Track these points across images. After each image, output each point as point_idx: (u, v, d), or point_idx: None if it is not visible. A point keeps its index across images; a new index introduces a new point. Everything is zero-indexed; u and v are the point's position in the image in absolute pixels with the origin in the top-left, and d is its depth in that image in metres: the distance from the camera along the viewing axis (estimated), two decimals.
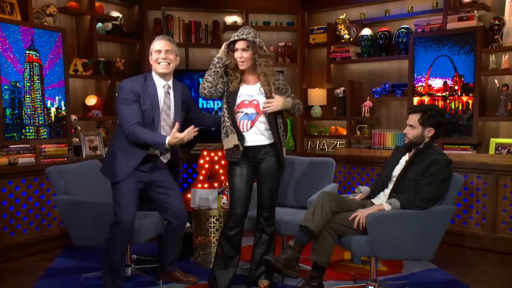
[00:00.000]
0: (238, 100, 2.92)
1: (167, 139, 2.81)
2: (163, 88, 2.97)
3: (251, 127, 2.91)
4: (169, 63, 2.94)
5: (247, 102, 2.92)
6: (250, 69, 2.92)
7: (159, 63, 2.92)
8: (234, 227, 2.99)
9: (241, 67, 2.89)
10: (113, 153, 2.95)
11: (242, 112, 2.91)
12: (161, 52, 2.92)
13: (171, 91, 3.01)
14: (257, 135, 2.92)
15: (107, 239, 2.88)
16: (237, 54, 2.86)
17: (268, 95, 2.89)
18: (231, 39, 2.88)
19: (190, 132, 2.81)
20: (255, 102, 2.90)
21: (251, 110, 2.91)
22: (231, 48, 2.90)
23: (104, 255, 2.92)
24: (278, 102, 2.84)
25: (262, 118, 2.90)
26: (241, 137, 2.90)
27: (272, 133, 2.92)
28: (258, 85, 2.92)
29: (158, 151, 2.99)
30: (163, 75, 2.96)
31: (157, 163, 3.04)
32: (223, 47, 2.93)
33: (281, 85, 2.97)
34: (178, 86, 3.09)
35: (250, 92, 2.93)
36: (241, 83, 2.95)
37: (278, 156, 2.95)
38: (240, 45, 2.85)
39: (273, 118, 2.91)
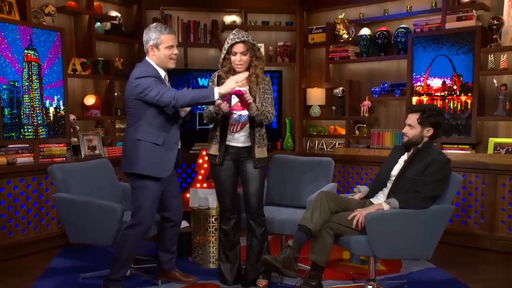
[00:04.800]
0: (233, 102, 2.95)
1: (216, 88, 2.68)
2: (163, 78, 2.94)
3: (240, 129, 2.98)
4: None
5: (240, 104, 2.97)
6: (243, 70, 2.96)
7: (171, 59, 2.89)
8: (228, 220, 3.14)
9: (238, 69, 2.93)
10: (148, 149, 2.81)
11: (235, 113, 2.97)
12: (173, 48, 2.87)
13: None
14: (243, 137, 3.00)
15: (121, 238, 2.88)
16: (235, 58, 2.91)
17: (251, 96, 2.91)
18: (231, 42, 2.89)
19: (244, 76, 2.72)
20: None
21: (244, 112, 2.95)
22: (228, 51, 2.93)
23: (116, 254, 2.92)
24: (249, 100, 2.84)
25: (249, 123, 2.97)
26: (226, 138, 3.00)
27: (249, 136, 3.00)
28: (247, 88, 2.95)
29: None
30: (166, 68, 2.94)
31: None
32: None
33: (266, 85, 3.02)
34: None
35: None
36: None
37: (253, 157, 3.01)
38: (239, 48, 2.89)
39: (254, 123, 2.97)
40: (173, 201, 3.10)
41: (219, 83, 2.95)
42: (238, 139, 3.01)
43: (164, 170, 2.86)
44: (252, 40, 2.93)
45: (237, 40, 2.88)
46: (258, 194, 3.06)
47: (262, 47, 5.12)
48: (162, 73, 2.93)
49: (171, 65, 2.91)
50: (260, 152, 3.02)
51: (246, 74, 2.80)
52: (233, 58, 2.92)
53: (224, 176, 3.06)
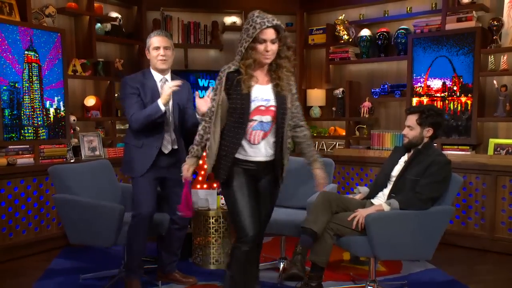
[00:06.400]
0: (253, 105, 2.33)
1: (159, 100, 2.86)
2: (160, 82, 3.03)
3: (262, 138, 2.37)
4: (166, 60, 3.01)
5: (263, 108, 2.35)
6: (266, 64, 2.38)
7: (159, 60, 2.98)
8: (251, 252, 2.39)
9: (266, 61, 2.33)
10: (130, 151, 3.05)
11: (256, 120, 2.35)
12: (159, 49, 2.97)
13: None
14: (267, 149, 2.40)
15: (128, 230, 2.96)
16: (263, 46, 2.28)
17: (285, 99, 2.40)
18: (259, 27, 2.25)
19: (175, 82, 2.84)
20: (273, 108, 2.36)
21: (267, 118, 2.35)
22: (257, 39, 2.28)
23: (126, 246, 3.02)
24: (325, 175, 2.55)
25: (274, 130, 2.39)
26: (246, 151, 2.39)
27: (275, 147, 2.42)
28: (270, 85, 2.39)
29: (164, 147, 3.02)
30: (161, 70, 3.03)
31: (175, 159, 3.06)
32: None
33: (295, 89, 2.49)
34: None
35: (266, 95, 2.36)
36: (252, 82, 2.35)
37: (275, 173, 2.49)
38: (270, 34, 2.27)
39: (282, 130, 2.41)
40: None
41: (233, 83, 2.33)
42: (260, 151, 2.39)
43: (135, 171, 2.99)
44: (282, 25, 2.35)
45: (268, 24, 2.26)
46: (267, 219, 2.55)
47: None
48: (158, 77, 3.03)
49: (160, 65, 3.00)
50: (284, 170, 2.50)
51: (179, 82, 2.81)
52: (260, 47, 2.28)
53: (241, 194, 2.38)
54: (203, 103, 2.89)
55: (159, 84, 3.02)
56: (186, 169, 2.52)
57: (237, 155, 2.37)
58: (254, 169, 2.41)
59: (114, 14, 4.89)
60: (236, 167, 2.38)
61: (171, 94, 2.85)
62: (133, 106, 2.93)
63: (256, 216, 2.37)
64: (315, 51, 5.39)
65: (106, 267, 3.43)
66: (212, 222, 3.50)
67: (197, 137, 2.48)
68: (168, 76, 3.07)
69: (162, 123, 2.97)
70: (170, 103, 2.99)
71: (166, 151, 3.03)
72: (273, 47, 2.30)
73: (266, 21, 2.27)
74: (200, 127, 2.47)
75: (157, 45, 2.97)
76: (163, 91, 2.88)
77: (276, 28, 2.29)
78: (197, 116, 2.97)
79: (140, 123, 2.90)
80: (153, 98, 2.94)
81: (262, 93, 2.36)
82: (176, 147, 3.07)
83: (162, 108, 2.85)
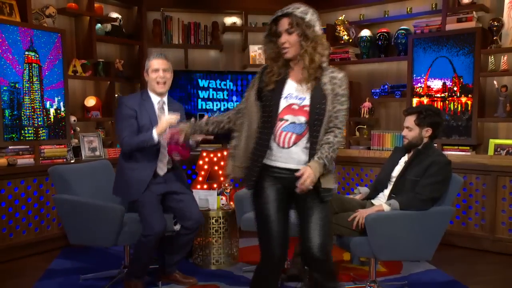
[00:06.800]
0: (284, 103, 2.10)
1: (154, 130, 2.87)
2: (157, 104, 3.05)
3: (294, 143, 2.09)
4: (165, 82, 3.03)
5: (296, 107, 2.09)
6: (300, 59, 2.13)
7: (157, 82, 3.00)
8: (273, 277, 2.17)
9: (286, 56, 2.11)
10: (124, 174, 3.02)
11: (287, 120, 2.10)
12: (158, 71, 2.99)
13: (166, 107, 3.09)
14: (300, 155, 2.10)
15: (136, 245, 2.94)
16: (280, 40, 2.10)
17: (324, 99, 2.07)
18: (271, 18, 2.12)
19: (172, 117, 2.86)
20: (307, 108, 2.08)
21: (300, 119, 2.08)
22: (272, 30, 2.13)
23: (135, 259, 2.98)
24: (309, 177, 1.97)
25: (308, 133, 2.09)
26: (276, 156, 2.12)
27: (311, 154, 2.08)
28: (309, 84, 2.11)
29: (160, 169, 3.03)
30: (159, 93, 3.04)
31: (172, 175, 3.10)
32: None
33: (341, 90, 2.11)
34: (174, 105, 3.17)
35: (302, 93, 2.10)
36: (286, 78, 2.14)
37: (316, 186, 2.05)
38: (282, 25, 2.08)
39: (317, 135, 2.08)
40: (190, 211, 3.09)
41: (264, 83, 2.15)
42: (291, 157, 2.11)
43: (132, 194, 2.98)
44: (303, 13, 2.08)
45: (278, 13, 2.07)
46: (323, 226, 2.14)
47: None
48: (156, 100, 3.05)
49: (158, 89, 3.01)
50: (327, 181, 2.09)
51: (177, 116, 2.82)
52: (280, 40, 2.10)
53: (272, 208, 2.12)
54: (165, 123, 2.84)
55: (156, 107, 3.04)
56: (177, 129, 2.44)
57: (267, 161, 2.11)
58: (288, 177, 2.08)
59: (114, 15, 4.89)
60: (268, 175, 2.12)
61: (167, 126, 2.82)
62: (127, 129, 2.94)
63: (286, 237, 2.13)
64: None
65: (106, 267, 3.43)
66: (212, 222, 3.50)
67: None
68: (165, 98, 3.09)
69: (158, 147, 2.98)
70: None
71: (161, 173, 3.06)
72: (289, 38, 2.07)
73: (279, 11, 2.07)
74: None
75: (156, 67, 2.99)
76: (160, 122, 2.88)
77: (288, 15, 2.06)
78: (153, 135, 2.88)
79: (131, 148, 2.93)
80: (150, 120, 2.96)
81: (296, 91, 2.10)
82: (170, 166, 3.10)
83: (156, 138, 2.87)
